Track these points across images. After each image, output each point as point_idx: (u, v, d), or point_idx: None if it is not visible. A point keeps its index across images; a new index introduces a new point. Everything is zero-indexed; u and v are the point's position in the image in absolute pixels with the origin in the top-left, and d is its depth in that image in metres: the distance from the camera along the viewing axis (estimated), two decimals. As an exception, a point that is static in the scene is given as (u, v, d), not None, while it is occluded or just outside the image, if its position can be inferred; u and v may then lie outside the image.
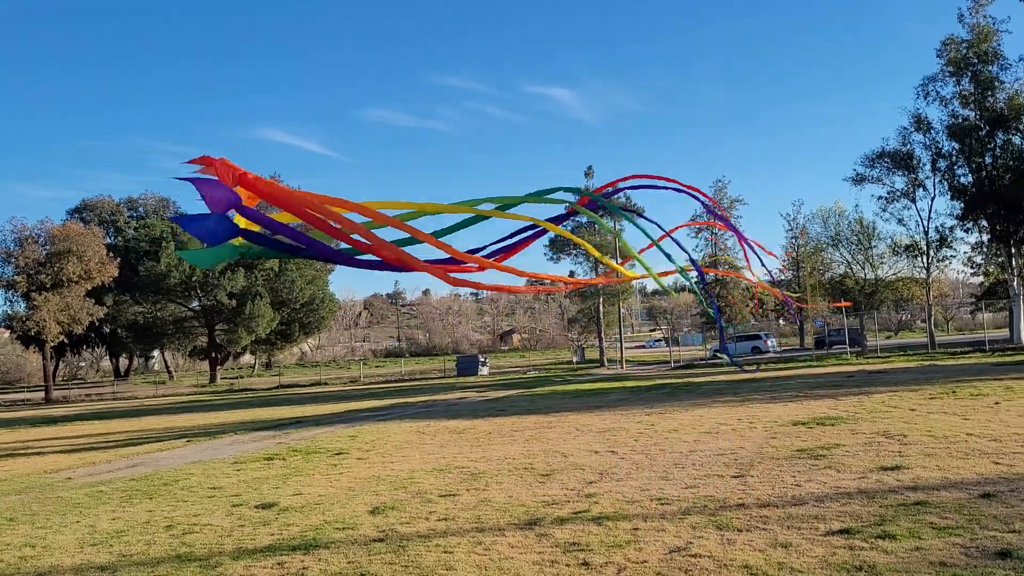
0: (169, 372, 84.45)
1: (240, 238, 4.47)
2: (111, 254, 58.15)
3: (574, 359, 70.81)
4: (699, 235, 62.17)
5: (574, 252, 61.03)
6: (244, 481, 11.74)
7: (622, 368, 52.31)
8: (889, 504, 7.44)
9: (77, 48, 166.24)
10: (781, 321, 77.26)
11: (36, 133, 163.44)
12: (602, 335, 61.66)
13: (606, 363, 57.35)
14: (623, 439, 13.59)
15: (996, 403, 15.13)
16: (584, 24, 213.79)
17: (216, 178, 4.10)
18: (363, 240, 5.14)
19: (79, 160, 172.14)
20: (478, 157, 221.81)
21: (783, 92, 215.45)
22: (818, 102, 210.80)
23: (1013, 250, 42.82)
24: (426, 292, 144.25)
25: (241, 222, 4.46)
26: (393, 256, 5.30)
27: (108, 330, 70.80)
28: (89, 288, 55.19)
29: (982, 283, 54.87)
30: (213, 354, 72.45)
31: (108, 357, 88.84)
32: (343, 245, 5.41)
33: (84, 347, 79.41)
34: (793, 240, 62.91)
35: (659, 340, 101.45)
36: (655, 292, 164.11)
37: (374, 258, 5.66)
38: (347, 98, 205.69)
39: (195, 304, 71.99)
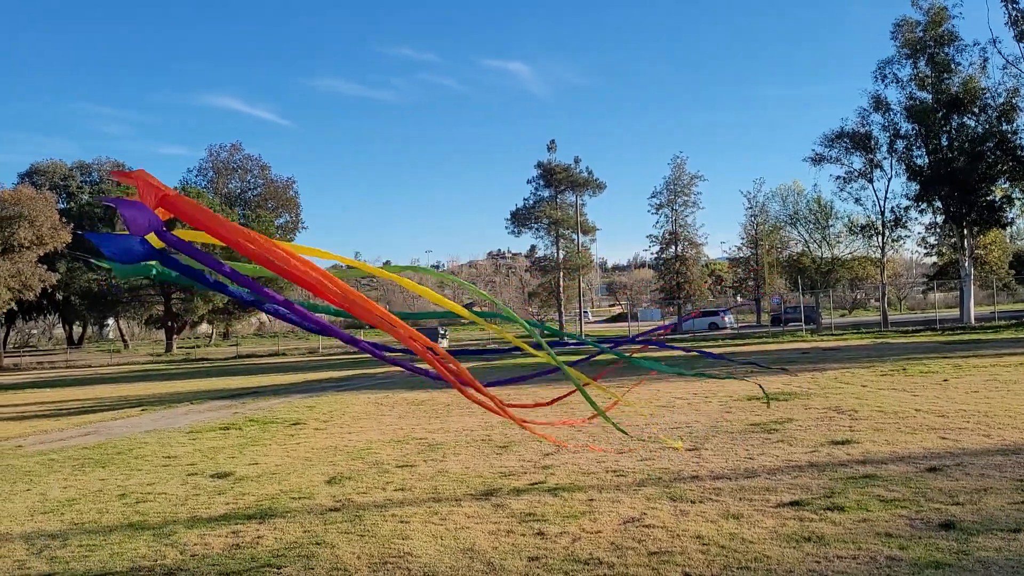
0: (124, 341, 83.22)
1: (156, 261, 4.26)
2: (64, 219, 56.86)
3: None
4: (659, 211, 62.52)
5: (535, 226, 61.01)
6: (199, 450, 11.64)
7: (581, 342, 52.58)
8: (839, 477, 7.60)
9: (17, 9, 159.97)
10: (739, 298, 78.26)
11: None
12: (562, 309, 61.91)
13: (565, 337, 57.63)
14: (580, 412, 13.69)
15: (944, 380, 15.50)
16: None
17: (139, 201, 3.91)
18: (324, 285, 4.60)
19: (19, 124, 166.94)
20: (432, 128, 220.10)
21: (737, 72, 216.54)
22: (770, 84, 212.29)
23: (965, 231, 43.72)
24: (387, 263, 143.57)
25: (158, 244, 4.20)
26: (361, 312, 4.70)
27: (61, 297, 69.36)
28: (41, 254, 53.89)
29: (935, 263, 56.11)
30: (169, 323, 71.46)
31: (61, 325, 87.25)
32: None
33: (36, 314, 77.85)
34: (753, 218, 63.59)
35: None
36: (615, 268, 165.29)
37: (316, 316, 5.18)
38: (299, 67, 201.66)
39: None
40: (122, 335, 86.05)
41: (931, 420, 10.71)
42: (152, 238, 4.06)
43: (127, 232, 3.90)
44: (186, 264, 4.51)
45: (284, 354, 55.86)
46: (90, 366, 52.92)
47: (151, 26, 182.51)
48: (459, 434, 11.89)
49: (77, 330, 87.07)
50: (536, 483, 8.12)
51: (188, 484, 9.07)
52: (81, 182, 75.30)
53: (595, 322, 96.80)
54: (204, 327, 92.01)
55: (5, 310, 55.80)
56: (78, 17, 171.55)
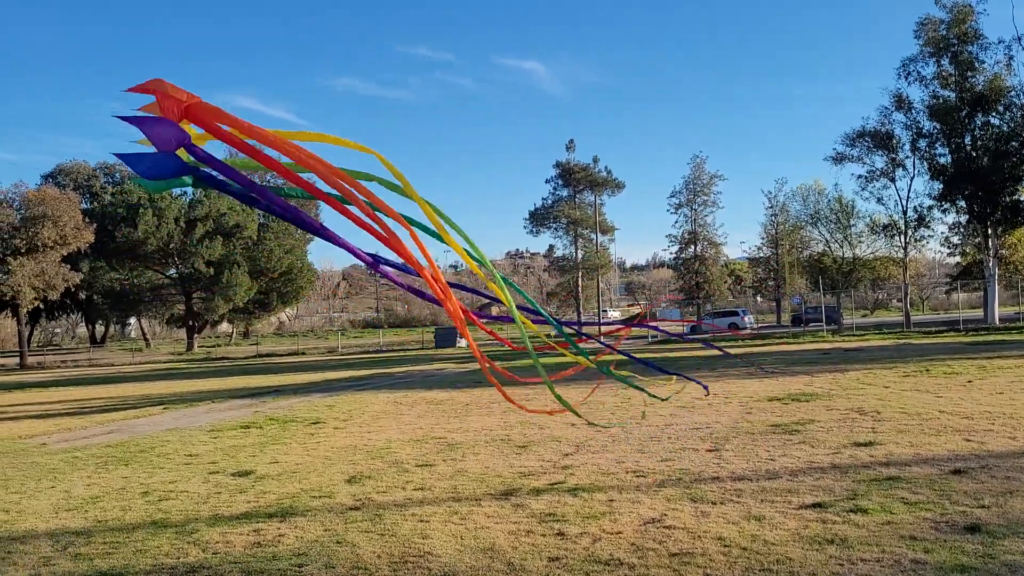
0: (146, 340, 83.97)
1: (189, 176, 4.23)
2: (87, 219, 57.38)
3: (553, 332, 71.01)
4: (678, 211, 62.32)
5: (553, 226, 60.94)
6: (221, 449, 11.71)
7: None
8: (862, 479, 7.53)
9: (35, 6, 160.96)
10: (758, 298, 77.87)
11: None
12: (580, 309, 61.82)
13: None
14: (600, 412, 13.67)
15: (969, 382, 15.33)
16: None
17: (161, 116, 3.86)
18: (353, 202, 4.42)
19: (43, 124, 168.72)
20: (447, 127, 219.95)
21: (758, 71, 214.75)
22: (791, 84, 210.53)
23: (989, 231, 43.21)
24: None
25: (188, 158, 4.18)
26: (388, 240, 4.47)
27: (84, 296, 69.99)
28: (65, 254, 54.42)
29: (958, 263, 55.43)
30: (190, 322, 72.04)
31: (84, 324, 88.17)
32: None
33: (60, 313, 78.68)
34: (773, 217, 63.19)
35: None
36: (634, 267, 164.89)
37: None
38: (316, 66, 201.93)
39: (172, 271, 71.39)
40: (144, 334, 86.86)
41: (955, 422, 10.60)
42: (182, 152, 4.01)
43: (155, 151, 3.85)
44: (219, 179, 4.42)
45: (303, 353, 56.11)
46: (112, 365, 53.37)
47: (169, 25, 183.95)
48: (478, 434, 11.90)
49: (100, 329, 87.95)
50: (556, 483, 8.11)
51: (210, 482, 9.13)
52: (104, 182, 75.90)
53: (616, 321, 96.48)
54: (225, 326, 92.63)
55: (29, 309, 56.47)
56: (96, 16, 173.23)
